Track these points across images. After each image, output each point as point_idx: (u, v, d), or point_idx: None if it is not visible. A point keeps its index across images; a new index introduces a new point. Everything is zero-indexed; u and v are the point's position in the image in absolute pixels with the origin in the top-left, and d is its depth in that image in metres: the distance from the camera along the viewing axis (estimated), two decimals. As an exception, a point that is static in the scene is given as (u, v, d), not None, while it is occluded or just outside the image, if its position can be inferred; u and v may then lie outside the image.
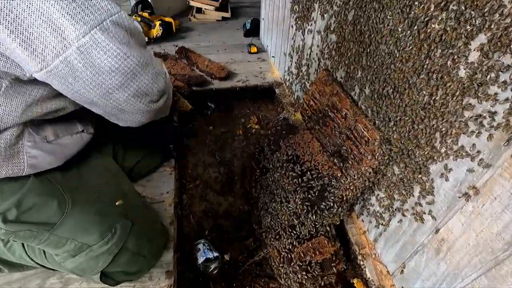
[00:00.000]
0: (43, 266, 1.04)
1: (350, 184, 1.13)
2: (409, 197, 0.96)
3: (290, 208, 1.24)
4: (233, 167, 1.97)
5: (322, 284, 1.20)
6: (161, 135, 1.54)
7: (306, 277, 1.16)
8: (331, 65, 1.36)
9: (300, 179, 1.24)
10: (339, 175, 1.19)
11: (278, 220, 1.31)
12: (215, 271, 1.43)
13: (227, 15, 3.34)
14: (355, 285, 1.21)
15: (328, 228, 1.27)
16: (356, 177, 1.10)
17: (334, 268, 1.19)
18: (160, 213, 1.33)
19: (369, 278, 1.18)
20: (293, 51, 1.91)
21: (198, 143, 2.14)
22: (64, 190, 0.91)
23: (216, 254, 1.44)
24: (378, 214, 1.15)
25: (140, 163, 1.39)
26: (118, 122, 0.82)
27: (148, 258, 1.07)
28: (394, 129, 0.97)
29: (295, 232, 1.24)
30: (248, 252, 1.51)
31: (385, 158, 1.01)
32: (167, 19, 2.77)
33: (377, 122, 1.06)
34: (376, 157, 1.02)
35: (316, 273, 1.16)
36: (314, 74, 1.59)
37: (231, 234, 1.60)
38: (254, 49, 2.65)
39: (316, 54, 1.51)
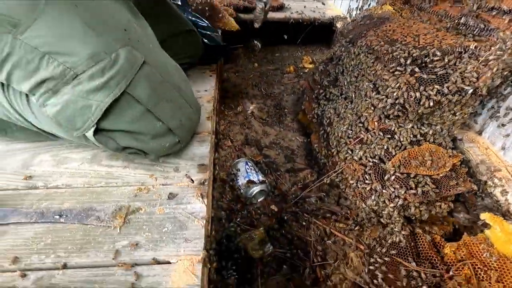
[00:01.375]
0: (26, 120, 0.72)
1: (500, 52, 0.71)
2: None
3: (382, 100, 0.83)
4: (282, 101, 1.60)
5: (436, 211, 0.77)
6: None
7: (410, 195, 0.74)
8: None
9: (404, 59, 0.83)
10: (472, 46, 0.76)
11: (360, 123, 0.90)
12: (260, 198, 1.04)
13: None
14: (486, 221, 0.76)
15: (442, 135, 0.84)
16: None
17: (457, 188, 0.75)
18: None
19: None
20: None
21: (240, 78, 1.80)
22: None
23: (261, 177, 1.06)
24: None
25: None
26: None
27: (169, 125, 0.71)
28: None
29: (390, 135, 0.83)
30: (304, 185, 1.11)
31: None
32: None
33: None
34: None
35: (429, 191, 0.74)
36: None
37: (280, 166, 1.21)
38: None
39: None
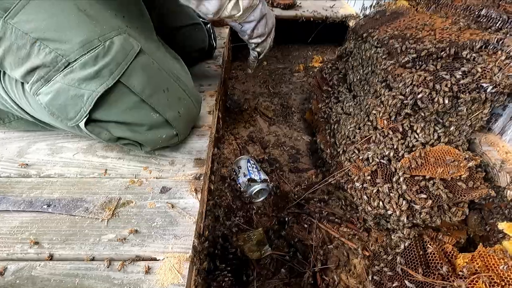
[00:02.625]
0: (22, 110, 0.71)
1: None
2: None
3: (394, 97, 0.78)
4: (290, 100, 1.56)
5: (448, 216, 0.71)
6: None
7: (420, 200, 0.68)
8: None
9: (418, 54, 0.77)
10: (493, 40, 0.70)
11: (369, 121, 0.85)
12: (261, 197, 1.00)
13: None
14: (504, 231, 0.70)
15: (458, 136, 0.77)
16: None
17: (472, 193, 0.69)
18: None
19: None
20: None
21: (247, 76, 1.77)
22: None
23: (263, 176, 1.02)
24: None
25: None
26: None
27: (166, 116, 0.68)
28: None
29: (401, 134, 0.77)
30: (308, 186, 1.07)
31: None
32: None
33: None
34: None
35: (441, 195, 0.68)
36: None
37: (285, 165, 1.16)
38: (323, -10, 2.25)
39: None
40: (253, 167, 1.03)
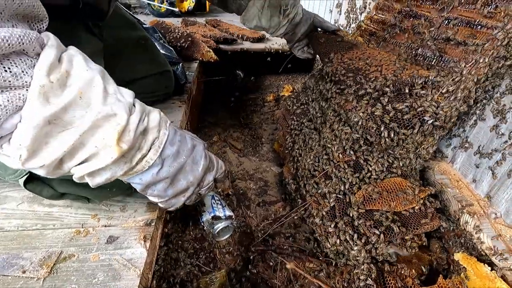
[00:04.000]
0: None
1: (458, 83, 0.68)
2: None
3: (346, 132, 0.80)
4: (260, 130, 1.57)
5: (404, 251, 0.70)
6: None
7: (373, 235, 0.67)
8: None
9: (366, 90, 0.80)
10: (431, 77, 0.74)
11: (325, 155, 0.86)
12: (225, 235, 0.97)
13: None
14: (459, 261, 0.70)
15: (409, 168, 0.79)
16: (463, 74, 0.66)
17: (424, 226, 0.69)
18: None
19: (487, 250, 0.67)
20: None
21: (218, 106, 1.79)
22: None
23: (229, 212, 0.99)
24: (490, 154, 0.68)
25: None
26: None
27: None
28: None
29: (354, 168, 0.78)
30: (274, 220, 1.05)
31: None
32: (201, -5, 2.63)
33: None
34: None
35: (393, 229, 0.68)
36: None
37: (252, 199, 1.15)
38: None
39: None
40: (217, 204, 1.01)
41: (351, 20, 1.52)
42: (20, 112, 0.37)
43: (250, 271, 0.88)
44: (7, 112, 0.36)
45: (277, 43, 1.98)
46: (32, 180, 0.61)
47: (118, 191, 0.69)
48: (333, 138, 0.85)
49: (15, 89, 0.36)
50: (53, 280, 0.56)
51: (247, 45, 1.95)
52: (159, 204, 0.63)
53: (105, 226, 0.68)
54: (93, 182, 0.49)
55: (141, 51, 1.05)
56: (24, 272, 0.57)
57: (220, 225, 0.94)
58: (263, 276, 0.87)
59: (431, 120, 0.70)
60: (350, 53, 0.99)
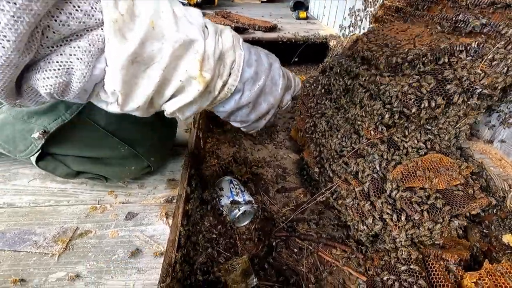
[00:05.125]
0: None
1: (506, 49, 0.62)
2: None
3: (378, 108, 0.74)
4: (274, 118, 1.51)
5: (449, 230, 0.64)
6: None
7: (416, 213, 0.61)
8: None
9: (399, 62, 0.74)
10: (474, 44, 0.68)
11: (355, 133, 0.80)
12: (245, 221, 0.91)
13: (272, -3, 3.13)
14: (509, 243, 0.63)
15: (449, 144, 0.73)
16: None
17: (471, 204, 0.63)
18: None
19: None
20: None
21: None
22: None
23: (248, 197, 0.94)
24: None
25: None
26: None
27: (136, 149, 0.60)
28: None
29: (388, 145, 0.72)
30: (296, 206, 0.99)
31: None
32: (209, -13, 2.60)
33: None
34: None
35: (438, 208, 0.62)
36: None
37: (271, 185, 1.09)
38: (303, 14, 2.33)
39: None
40: (236, 188, 0.95)
41: (369, 4, 1.47)
42: (104, 54, 0.35)
43: (273, 257, 0.82)
44: (92, 57, 0.34)
45: (289, 32, 1.93)
46: (45, 158, 0.56)
47: (136, 170, 0.64)
48: (364, 115, 0.79)
49: (91, 30, 0.34)
50: (69, 256, 0.51)
51: (259, 34, 1.90)
52: (242, 129, 0.63)
53: (122, 203, 0.63)
54: (183, 116, 0.48)
55: None
56: (37, 247, 0.52)
57: (240, 210, 0.88)
58: (287, 262, 0.82)
59: (479, 90, 0.64)
60: (374, 32, 0.94)
